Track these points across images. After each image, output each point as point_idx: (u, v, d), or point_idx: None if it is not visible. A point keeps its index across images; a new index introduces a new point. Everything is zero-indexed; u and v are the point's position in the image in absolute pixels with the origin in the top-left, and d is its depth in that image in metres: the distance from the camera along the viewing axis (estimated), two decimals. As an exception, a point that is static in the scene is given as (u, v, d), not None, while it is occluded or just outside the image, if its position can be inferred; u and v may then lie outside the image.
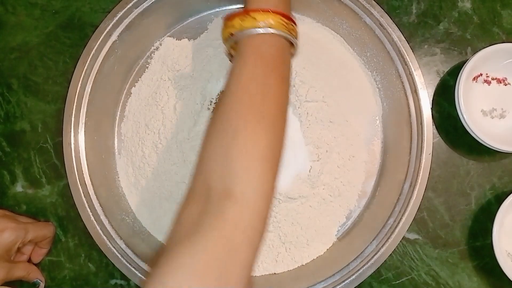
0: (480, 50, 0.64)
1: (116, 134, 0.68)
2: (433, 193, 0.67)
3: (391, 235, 0.60)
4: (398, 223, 0.60)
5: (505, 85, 0.68)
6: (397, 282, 0.66)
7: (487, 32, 0.70)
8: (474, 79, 0.67)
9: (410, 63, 0.63)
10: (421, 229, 0.67)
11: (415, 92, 0.63)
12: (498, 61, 0.66)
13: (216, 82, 0.65)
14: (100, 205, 0.63)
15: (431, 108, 0.65)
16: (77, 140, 0.63)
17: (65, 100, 0.64)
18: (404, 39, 0.63)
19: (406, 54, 0.63)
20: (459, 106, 0.64)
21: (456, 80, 0.65)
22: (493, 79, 0.68)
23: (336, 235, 0.65)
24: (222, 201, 0.40)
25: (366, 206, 0.66)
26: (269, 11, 0.47)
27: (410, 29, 0.70)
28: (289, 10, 0.50)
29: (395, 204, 0.62)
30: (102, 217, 0.62)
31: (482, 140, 0.63)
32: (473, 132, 0.63)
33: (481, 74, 0.67)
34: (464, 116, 0.63)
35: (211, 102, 0.65)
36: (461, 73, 0.64)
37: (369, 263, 0.60)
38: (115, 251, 0.61)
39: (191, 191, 0.44)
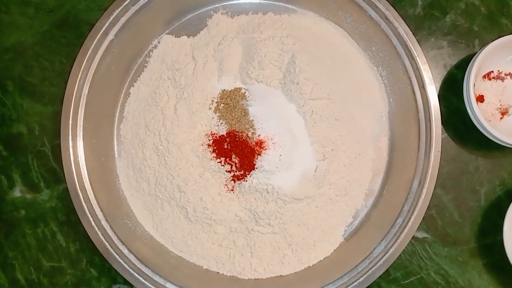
0: (487, 43, 0.62)
1: (115, 136, 0.66)
2: (441, 190, 0.66)
3: (400, 235, 0.59)
4: (407, 222, 0.59)
5: None
6: (406, 281, 0.65)
7: (495, 24, 0.69)
8: (485, 76, 0.66)
9: (417, 58, 0.61)
10: (430, 227, 0.65)
11: (422, 87, 0.61)
12: (507, 55, 0.65)
13: (217, 81, 0.63)
14: (101, 209, 0.61)
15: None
16: (76, 144, 0.61)
17: (62, 101, 0.62)
18: (410, 33, 0.62)
19: (413, 49, 0.61)
20: (470, 104, 0.62)
21: (464, 74, 0.63)
22: (506, 75, 0.66)
23: (343, 235, 0.64)
24: None
25: (373, 205, 0.64)
26: None
27: (416, 21, 0.68)
28: None
29: (404, 203, 0.61)
30: (103, 222, 0.61)
31: (494, 137, 0.61)
32: (485, 129, 0.61)
33: (492, 71, 0.66)
34: (476, 113, 0.61)
35: (213, 101, 0.63)
36: (470, 71, 0.62)
37: (378, 264, 0.59)
38: (117, 256, 0.60)
39: None
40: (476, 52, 0.63)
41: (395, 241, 0.59)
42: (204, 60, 0.64)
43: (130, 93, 0.67)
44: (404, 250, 0.60)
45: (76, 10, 0.70)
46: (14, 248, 0.66)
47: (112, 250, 0.60)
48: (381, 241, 0.60)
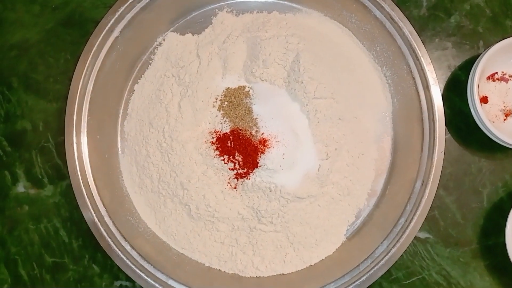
0: (491, 45, 0.62)
1: (119, 133, 0.67)
2: (444, 191, 0.66)
3: (402, 235, 0.59)
4: (410, 222, 0.59)
5: None
6: (408, 282, 0.65)
7: (500, 25, 0.69)
8: (489, 78, 0.66)
9: (422, 58, 0.61)
10: (432, 228, 0.65)
11: (427, 88, 0.61)
12: (511, 56, 0.65)
13: (221, 79, 0.63)
14: (104, 206, 0.61)
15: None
16: (80, 140, 0.62)
17: (66, 98, 0.62)
18: (415, 33, 0.62)
19: (417, 49, 0.61)
20: (473, 105, 0.62)
21: (467, 75, 0.63)
22: (510, 76, 0.66)
23: (345, 234, 0.64)
24: None
25: (376, 205, 0.64)
26: None
27: (420, 22, 0.68)
28: None
29: (406, 203, 0.61)
30: (106, 219, 0.61)
31: (497, 138, 0.61)
32: (488, 130, 0.61)
33: (496, 73, 0.66)
34: (479, 114, 0.61)
35: (216, 99, 0.63)
36: (474, 72, 0.62)
37: (379, 264, 0.59)
38: (119, 252, 0.60)
39: None
40: (481, 54, 0.63)
41: (397, 241, 0.59)
42: (209, 58, 0.64)
43: (134, 90, 0.67)
44: (406, 250, 0.59)
45: (82, 8, 0.70)
46: (17, 243, 0.66)
47: (114, 247, 0.60)
48: (383, 241, 0.60)
